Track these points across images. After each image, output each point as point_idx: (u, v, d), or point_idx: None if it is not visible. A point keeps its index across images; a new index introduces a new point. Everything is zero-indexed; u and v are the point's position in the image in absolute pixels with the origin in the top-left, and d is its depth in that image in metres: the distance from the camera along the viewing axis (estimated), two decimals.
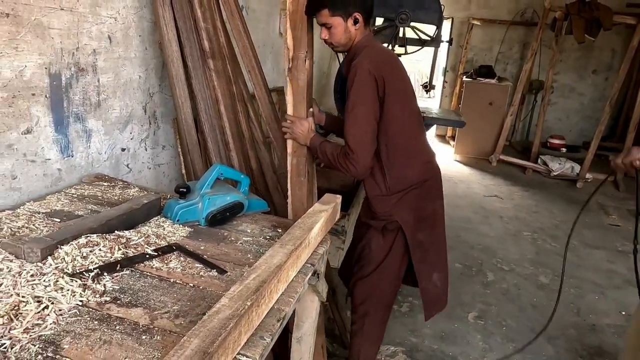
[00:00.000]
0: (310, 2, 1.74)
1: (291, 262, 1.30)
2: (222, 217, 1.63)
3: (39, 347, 0.96)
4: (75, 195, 1.73)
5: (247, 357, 1.02)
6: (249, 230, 1.63)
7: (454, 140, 7.12)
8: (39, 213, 1.55)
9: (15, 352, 0.94)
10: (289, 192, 1.87)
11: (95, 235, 1.35)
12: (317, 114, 1.99)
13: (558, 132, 7.15)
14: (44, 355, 0.94)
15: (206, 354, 0.87)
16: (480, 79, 6.76)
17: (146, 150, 2.37)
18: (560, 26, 6.01)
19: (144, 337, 1.03)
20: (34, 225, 1.44)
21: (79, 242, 1.29)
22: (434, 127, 7.77)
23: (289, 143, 1.89)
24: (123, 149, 2.19)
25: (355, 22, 1.83)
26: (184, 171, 2.30)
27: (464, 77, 7.08)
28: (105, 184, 1.88)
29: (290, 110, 1.86)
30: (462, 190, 5.56)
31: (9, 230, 1.39)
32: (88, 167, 1.98)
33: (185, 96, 2.08)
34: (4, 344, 0.94)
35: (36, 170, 1.72)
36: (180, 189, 1.58)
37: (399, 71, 1.92)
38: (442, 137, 8.19)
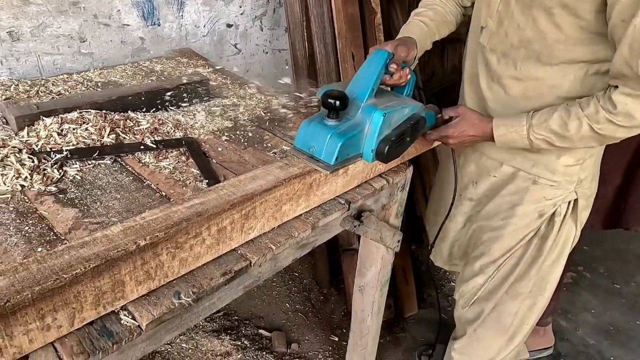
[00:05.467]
0: None
1: (284, 192, 0.86)
2: (399, 146, 1.00)
3: None
4: (144, 68, 1.55)
5: (128, 312, 0.69)
6: None
7: None
8: (90, 81, 1.41)
9: None
10: None
11: (94, 111, 1.12)
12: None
13: None
14: None
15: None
16: None
17: (262, 30, 2.05)
18: None
19: (39, 249, 0.78)
20: (69, 92, 1.30)
21: (66, 117, 1.08)
22: None
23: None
24: (229, 25, 1.92)
25: None
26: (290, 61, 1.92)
27: None
28: (185, 59, 1.65)
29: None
30: None
31: (45, 94, 1.27)
32: (181, 41, 1.78)
33: None
34: None
35: (111, 35, 1.57)
36: (331, 101, 0.87)
37: None
38: None
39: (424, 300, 2.13)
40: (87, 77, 1.43)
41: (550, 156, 1.14)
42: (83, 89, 1.34)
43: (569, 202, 1.19)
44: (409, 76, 1.09)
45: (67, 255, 0.63)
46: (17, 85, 1.28)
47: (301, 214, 0.94)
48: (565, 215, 1.19)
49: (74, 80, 1.39)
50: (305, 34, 1.75)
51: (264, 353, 1.76)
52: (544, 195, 1.18)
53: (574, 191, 1.18)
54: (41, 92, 1.27)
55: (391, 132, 0.96)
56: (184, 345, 1.76)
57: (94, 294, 0.64)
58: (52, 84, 1.34)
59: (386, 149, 0.93)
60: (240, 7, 1.92)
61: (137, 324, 0.67)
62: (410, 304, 2.04)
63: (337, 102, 0.87)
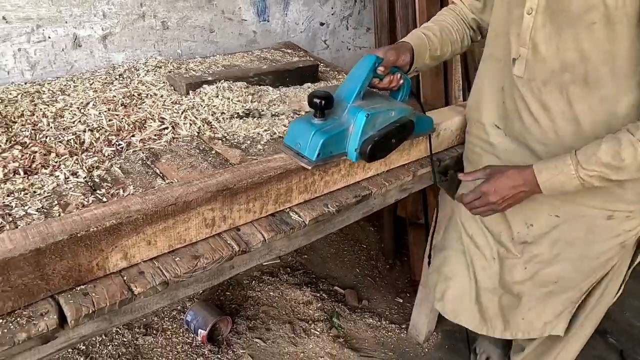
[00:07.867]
0: None
1: None
2: (384, 147, 1.04)
3: (145, 155, 1.12)
4: (257, 56, 1.87)
5: (294, 212, 0.99)
6: None
7: None
8: (219, 64, 1.74)
9: (128, 153, 1.12)
10: None
11: (239, 83, 1.44)
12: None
13: None
14: (144, 162, 1.09)
15: (226, 189, 0.86)
16: None
17: (347, 29, 2.35)
18: None
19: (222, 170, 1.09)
20: (209, 70, 1.64)
21: (221, 85, 1.41)
22: None
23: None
24: (322, 24, 2.23)
25: None
26: None
27: None
28: (290, 51, 1.97)
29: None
30: None
31: (191, 71, 1.61)
32: (283, 35, 2.10)
33: None
34: (122, 145, 1.14)
35: (232, 28, 1.91)
36: (316, 100, 0.94)
37: None
38: None
39: None
40: (216, 61, 1.77)
41: (619, 189, 1.06)
42: (216, 69, 1.68)
43: None
44: (401, 81, 1.13)
45: (261, 165, 0.94)
46: (171, 63, 1.63)
47: (404, 164, 1.22)
48: None
49: (207, 63, 1.73)
50: (390, 33, 2.03)
51: (340, 304, 2.05)
52: (624, 228, 1.13)
53: None
54: (188, 70, 1.61)
55: (375, 133, 1.00)
56: (271, 293, 2.07)
57: (276, 194, 0.94)
58: (193, 64, 1.68)
59: (368, 148, 0.98)
60: (332, 8, 2.23)
61: (302, 220, 0.97)
62: None
63: (322, 102, 0.93)
